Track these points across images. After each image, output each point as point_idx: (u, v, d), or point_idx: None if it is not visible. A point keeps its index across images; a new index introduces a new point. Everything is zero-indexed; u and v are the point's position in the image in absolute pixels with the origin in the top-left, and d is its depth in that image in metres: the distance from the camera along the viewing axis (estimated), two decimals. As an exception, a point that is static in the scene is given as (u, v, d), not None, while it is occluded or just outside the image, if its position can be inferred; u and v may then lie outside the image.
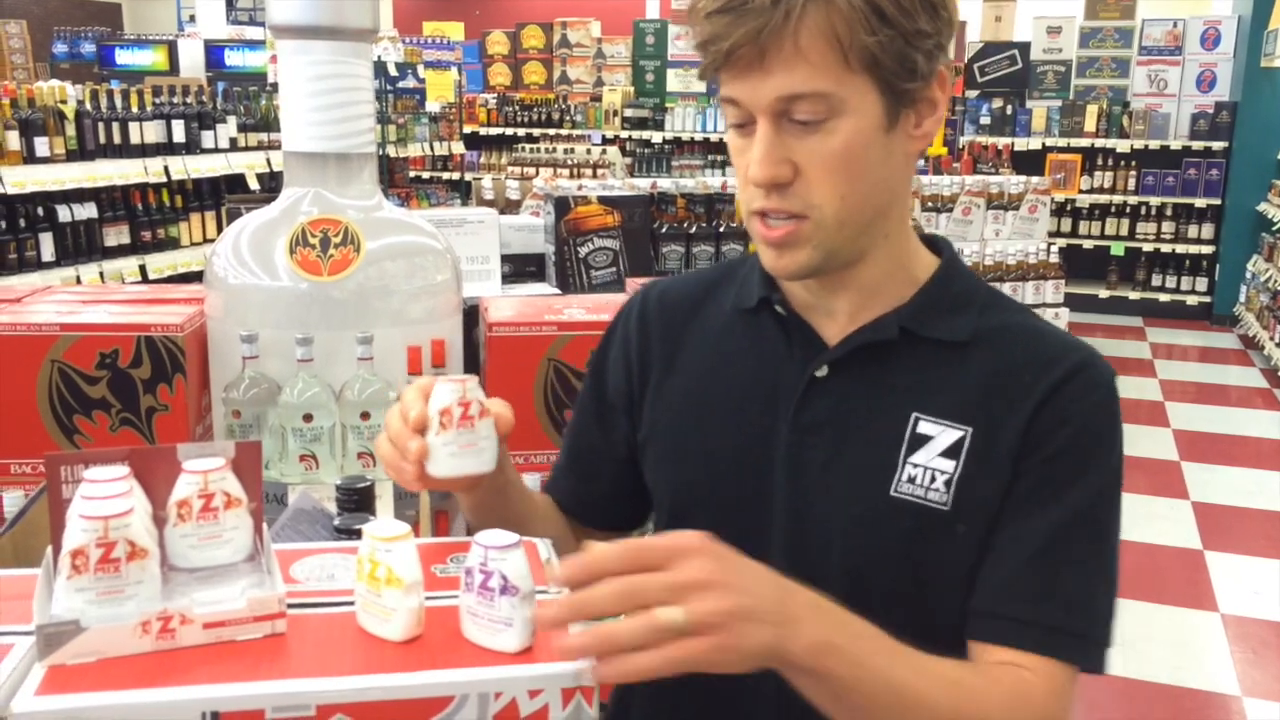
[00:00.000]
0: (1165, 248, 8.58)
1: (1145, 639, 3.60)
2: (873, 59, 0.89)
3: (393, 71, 7.61)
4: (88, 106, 5.14)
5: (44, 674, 0.70)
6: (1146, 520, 4.64)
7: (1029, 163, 8.16)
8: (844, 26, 0.87)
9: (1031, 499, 0.95)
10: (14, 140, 4.68)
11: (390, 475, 0.94)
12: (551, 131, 9.67)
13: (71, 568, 0.71)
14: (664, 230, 3.15)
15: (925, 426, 0.97)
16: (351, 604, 0.77)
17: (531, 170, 7.86)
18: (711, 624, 0.73)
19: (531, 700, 0.71)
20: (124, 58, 8.08)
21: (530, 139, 9.48)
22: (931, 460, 0.96)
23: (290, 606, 0.77)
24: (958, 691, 0.87)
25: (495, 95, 10.10)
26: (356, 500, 1.09)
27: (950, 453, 0.96)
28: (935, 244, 1.08)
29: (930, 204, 5.60)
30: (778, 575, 0.80)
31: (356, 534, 1.03)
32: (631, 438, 1.14)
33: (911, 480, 0.96)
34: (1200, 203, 8.43)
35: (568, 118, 9.76)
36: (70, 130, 4.95)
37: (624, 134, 9.54)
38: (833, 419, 1.00)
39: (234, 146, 5.95)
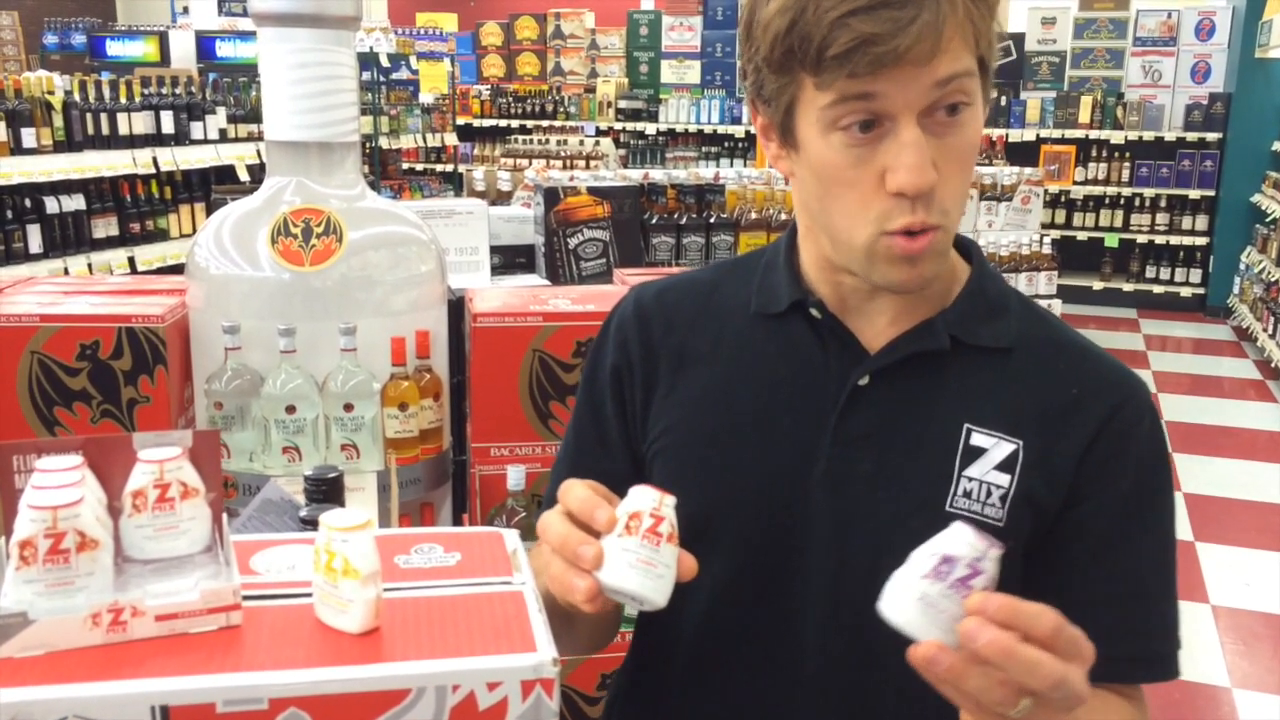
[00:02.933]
0: (1159, 239, 8.58)
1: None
2: (987, 39, 0.86)
3: (385, 63, 7.59)
4: (76, 97, 5.10)
5: (-9, 667, 0.69)
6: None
7: (1023, 154, 8.15)
8: (978, 7, 0.84)
9: (1118, 537, 0.95)
10: (1, 131, 4.65)
11: (561, 593, 0.82)
12: (545, 123, 9.65)
13: (20, 559, 0.70)
14: (654, 221, 3.13)
15: (978, 438, 0.94)
16: (309, 596, 0.76)
17: (525, 162, 7.83)
18: None
19: (490, 693, 0.70)
20: (115, 49, 8.04)
21: (524, 130, 9.46)
22: (987, 474, 0.93)
23: (247, 598, 0.76)
24: None
25: (489, 87, 10.07)
26: (325, 491, 1.08)
27: (1005, 466, 0.93)
28: (963, 245, 1.03)
29: (923, 195, 5.58)
30: None
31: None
32: (634, 451, 1.06)
33: (967, 494, 0.93)
34: (1194, 194, 8.43)
35: (561, 109, 9.73)
36: (58, 121, 4.92)
37: (618, 125, 9.52)
38: (879, 430, 0.95)
39: (224, 138, 5.91)
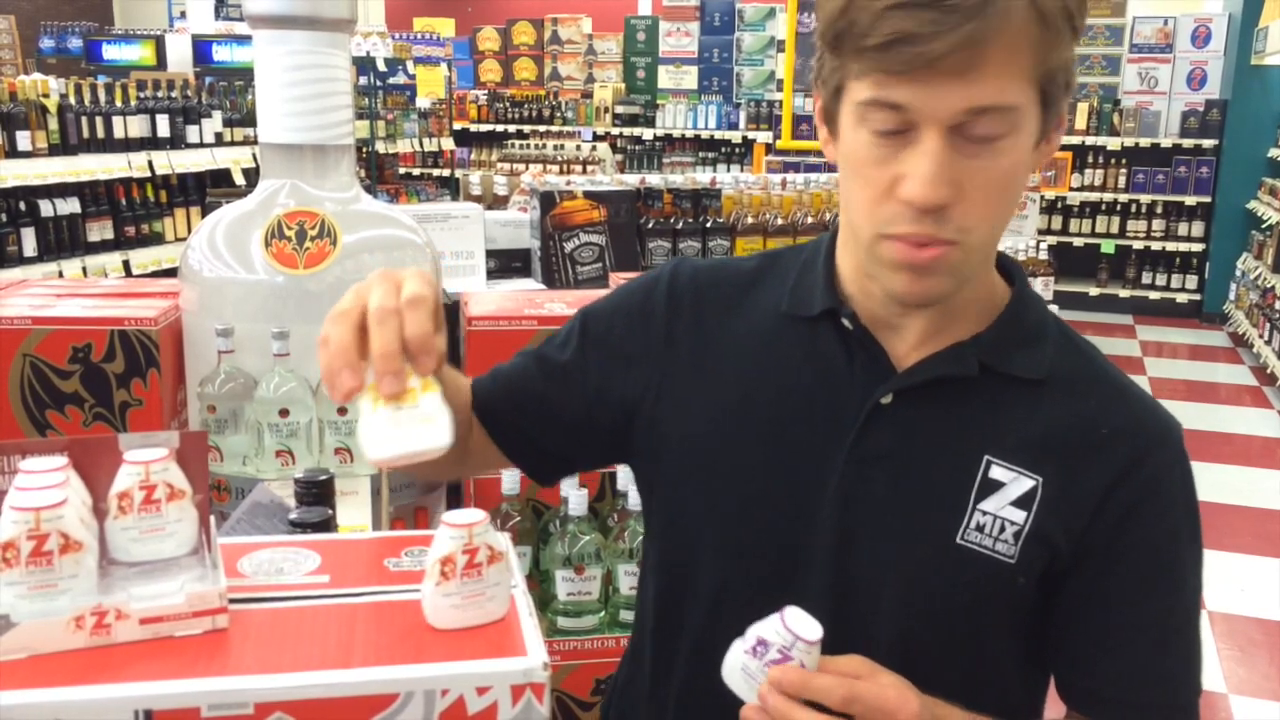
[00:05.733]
0: (1155, 245, 8.59)
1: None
2: (1048, 72, 0.81)
3: (382, 67, 7.58)
4: (71, 100, 5.09)
5: (-28, 671, 0.68)
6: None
7: (1020, 160, 8.15)
8: (1040, 36, 0.79)
9: (1146, 583, 0.93)
10: (-5, 134, 4.65)
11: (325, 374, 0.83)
12: (542, 128, 9.64)
13: (2, 561, 0.68)
14: (650, 225, 3.13)
15: (997, 471, 0.91)
16: (297, 599, 0.75)
17: (521, 166, 7.83)
18: None
19: (480, 697, 0.69)
20: (111, 53, 8.02)
21: (521, 135, 9.45)
22: (1002, 509, 0.91)
23: (234, 601, 0.75)
24: None
25: (486, 91, 10.07)
26: (316, 494, 1.07)
27: (1021, 503, 0.91)
28: (1006, 267, 1.00)
29: (920, 201, 5.58)
30: (917, 698, 0.82)
31: (309, 528, 1.00)
32: (595, 413, 1.04)
33: (980, 529, 0.90)
34: (1190, 200, 8.44)
35: (558, 114, 9.73)
36: (53, 124, 4.91)
37: (615, 131, 9.51)
38: (896, 451, 0.92)
39: (219, 141, 5.91)
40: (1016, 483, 0.91)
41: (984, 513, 0.90)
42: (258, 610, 0.75)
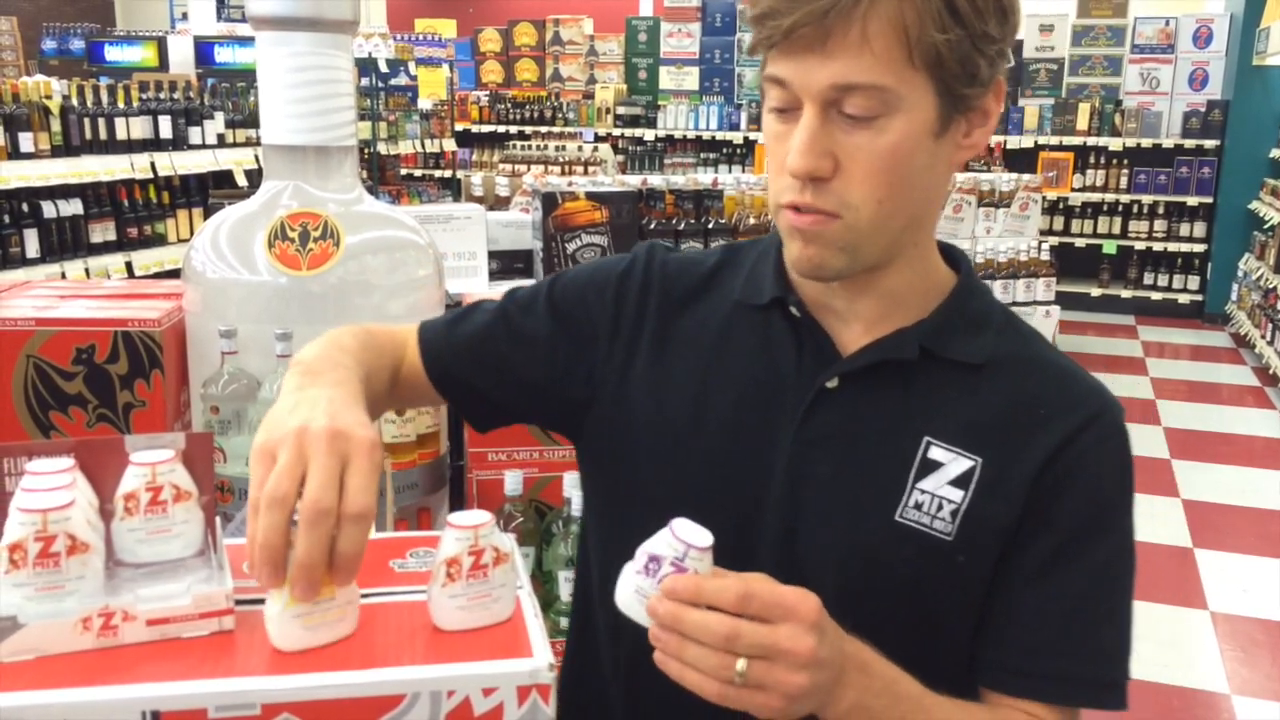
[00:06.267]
0: (1157, 246, 8.58)
1: (1135, 637, 3.57)
2: (937, 58, 0.84)
3: (384, 68, 7.59)
4: (74, 102, 5.10)
5: (-20, 672, 0.68)
6: (1138, 518, 4.61)
7: (1021, 160, 8.16)
8: (914, 19, 0.83)
9: (1061, 554, 0.94)
10: (-2, 135, 4.65)
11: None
12: (544, 129, 9.65)
13: (9, 562, 0.69)
14: (652, 226, 3.13)
15: (936, 452, 0.94)
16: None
17: (523, 167, 7.83)
18: (773, 691, 0.76)
19: (486, 698, 0.69)
20: (113, 54, 8.04)
21: (522, 136, 9.46)
22: (940, 488, 0.94)
23: (240, 603, 0.75)
24: None
25: (487, 93, 10.08)
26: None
27: (959, 482, 0.94)
28: (952, 256, 1.03)
29: (921, 201, 5.58)
30: (844, 636, 0.81)
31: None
32: (557, 384, 1.05)
33: (918, 506, 0.94)
34: (1192, 201, 8.44)
35: (560, 115, 9.74)
36: (56, 126, 4.92)
37: (616, 131, 9.52)
38: (840, 433, 0.96)
39: (222, 143, 5.91)
40: (955, 463, 0.94)
41: (922, 491, 0.94)
42: (263, 611, 0.75)
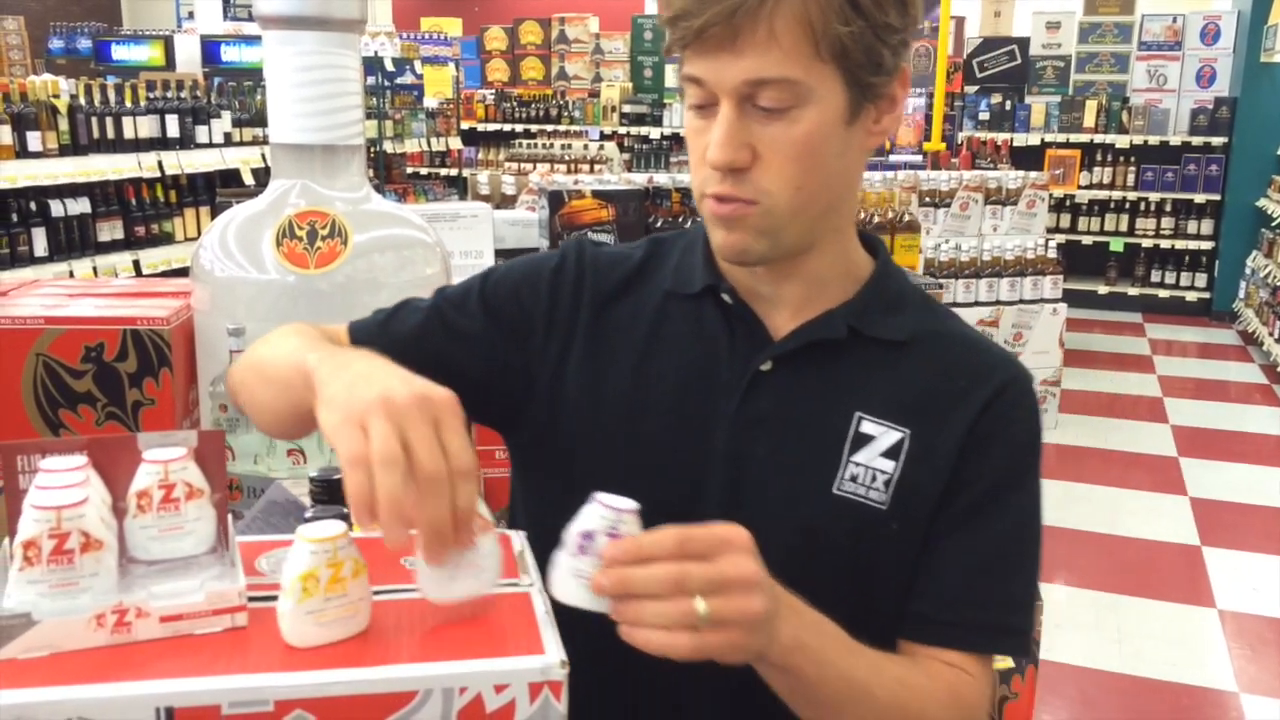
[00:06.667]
0: (1164, 243, 8.56)
1: (1143, 635, 3.58)
2: (842, 49, 0.88)
3: (390, 67, 7.59)
4: (81, 101, 5.11)
5: (-5, 669, 0.68)
6: (1145, 516, 4.62)
7: (1028, 158, 8.14)
8: (818, 14, 0.87)
9: (976, 510, 0.99)
10: (6, 135, 4.65)
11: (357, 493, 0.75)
12: (549, 127, 9.65)
13: (24, 559, 0.69)
14: (659, 224, 3.13)
15: (867, 426, 0.99)
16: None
17: (529, 166, 7.83)
18: (736, 623, 0.77)
19: (498, 695, 0.69)
20: (120, 53, 8.05)
21: (528, 135, 9.46)
22: (873, 460, 0.98)
23: (252, 599, 0.75)
24: (903, 689, 0.92)
25: (493, 91, 10.08)
26: (331, 492, 1.07)
27: (890, 454, 0.98)
28: (869, 243, 1.09)
29: (928, 199, 5.57)
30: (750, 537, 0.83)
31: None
32: (494, 380, 1.06)
33: (853, 479, 0.98)
34: (1200, 198, 8.41)
35: (566, 114, 9.73)
36: (63, 125, 4.93)
37: (622, 130, 9.52)
38: (775, 414, 1.00)
39: (228, 142, 5.92)
40: (885, 435, 0.99)
41: (856, 464, 0.98)
42: (275, 609, 0.76)
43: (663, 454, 1.01)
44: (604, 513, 0.78)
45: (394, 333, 1.08)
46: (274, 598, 0.74)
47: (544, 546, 1.03)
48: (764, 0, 0.86)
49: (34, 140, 4.76)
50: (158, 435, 0.77)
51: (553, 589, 0.79)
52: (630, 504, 0.79)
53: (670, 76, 9.69)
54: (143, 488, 0.75)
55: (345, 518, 1.06)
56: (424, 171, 9.52)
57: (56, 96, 4.96)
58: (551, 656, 0.71)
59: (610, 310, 1.06)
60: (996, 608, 0.99)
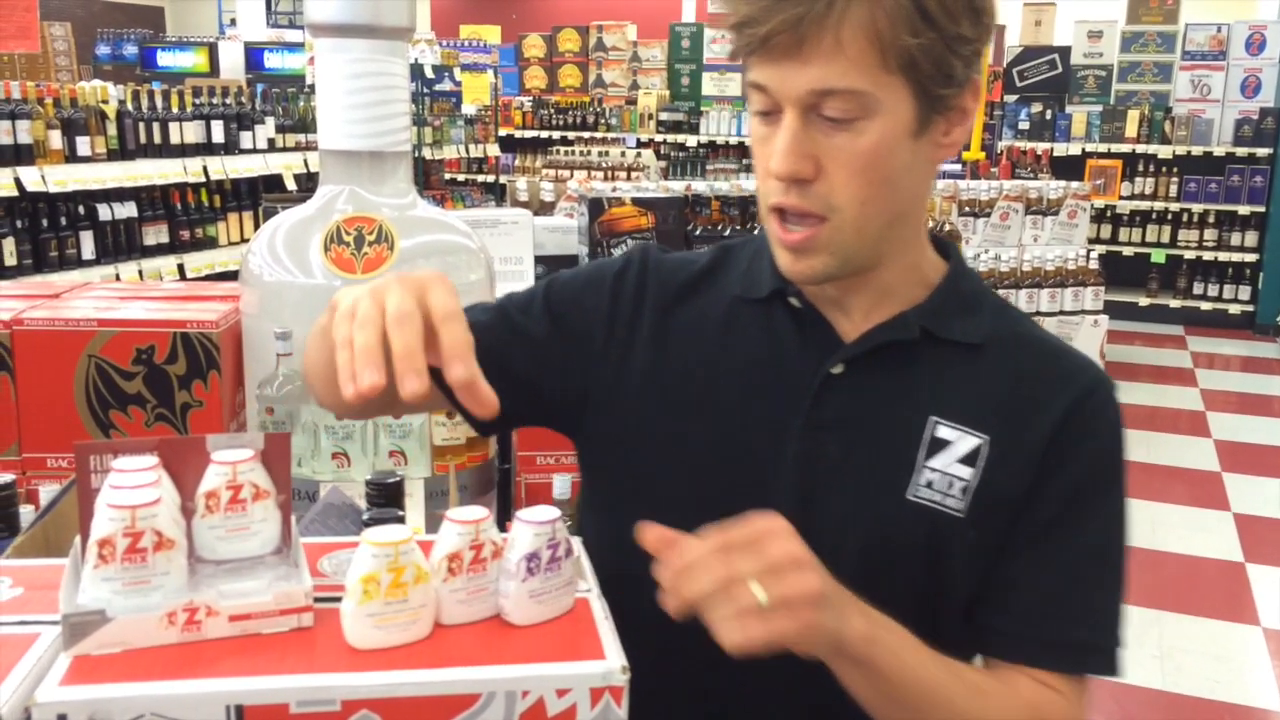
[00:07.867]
0: (1207, 255, 8.44)
1: (1184, 651, 3.53)
2: (911, 61, 0.86)
3: (429, 74, 7.65)
4: (129, 107, 5.20)
5: (69, 664, 0.70)
6: (1187, 531, 4.55)
7: (1069, 168, 8.06)
8: (887, 24, 0.85)
9: (1058, 522, 0.96)
10: (56, 140, 4.74)
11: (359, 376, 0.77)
12: (586, 135, 9.68)
13: (98, 557, 0.71)
14: (698, 232, 3.13)
15: (944, 431, 0.97)
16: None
17: (566, 173, 7.87)
18: (797, 603, 0.77)
19: (559, 699, 0.70)
20: (165, 59, 8.20)
21: (565, 142, 9.50)
22: (950, 466, 0.96)
23: (317, 600, 0.76)
24: (981, 697, 0.90)
25: (531, 98, 10.13)
26: (386, 496, 1.08)
27: (968, 460, 0.96)
28: (942, 246, 1.07)
29: (968, 208, 5.54)
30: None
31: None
32: (555, 383, 1.06)
33: (929, 485, 0.96)
34: (1244, 210, 8.29)
35: (603, 121, 9.77)
36: (111, 130, 5.01)
37: (659, 137, 9.54)
38: (848, 417, 0.98)
39: (272, 147, 5.99)
40: (962, 441, 0.96)
41: (932, 470, 0.96)
42: (339, 609, 0.77)
43: (731, 458, 0.99)
44: (537, 530, 0.79)
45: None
46: (338, 599, 0.76)
47: (610, 544, 1.02)
48: (831, 8, 0.84)
49: (83, 145, 4.84)
50: (226, 437, 0.79)
51: (513, 618, 0.79)
52: (551, 511, 0.80)
53: (708, 84, 9.70)
54: (211, 488, 0.77)
55: (403, 520, 1.08)
56: (461, 178, 9.58)
57: (105, 102, 5.04)
58: (613, 662, 0.72)
59: (675, 314, 1.06)
60: (1086, 626, 0.96)
